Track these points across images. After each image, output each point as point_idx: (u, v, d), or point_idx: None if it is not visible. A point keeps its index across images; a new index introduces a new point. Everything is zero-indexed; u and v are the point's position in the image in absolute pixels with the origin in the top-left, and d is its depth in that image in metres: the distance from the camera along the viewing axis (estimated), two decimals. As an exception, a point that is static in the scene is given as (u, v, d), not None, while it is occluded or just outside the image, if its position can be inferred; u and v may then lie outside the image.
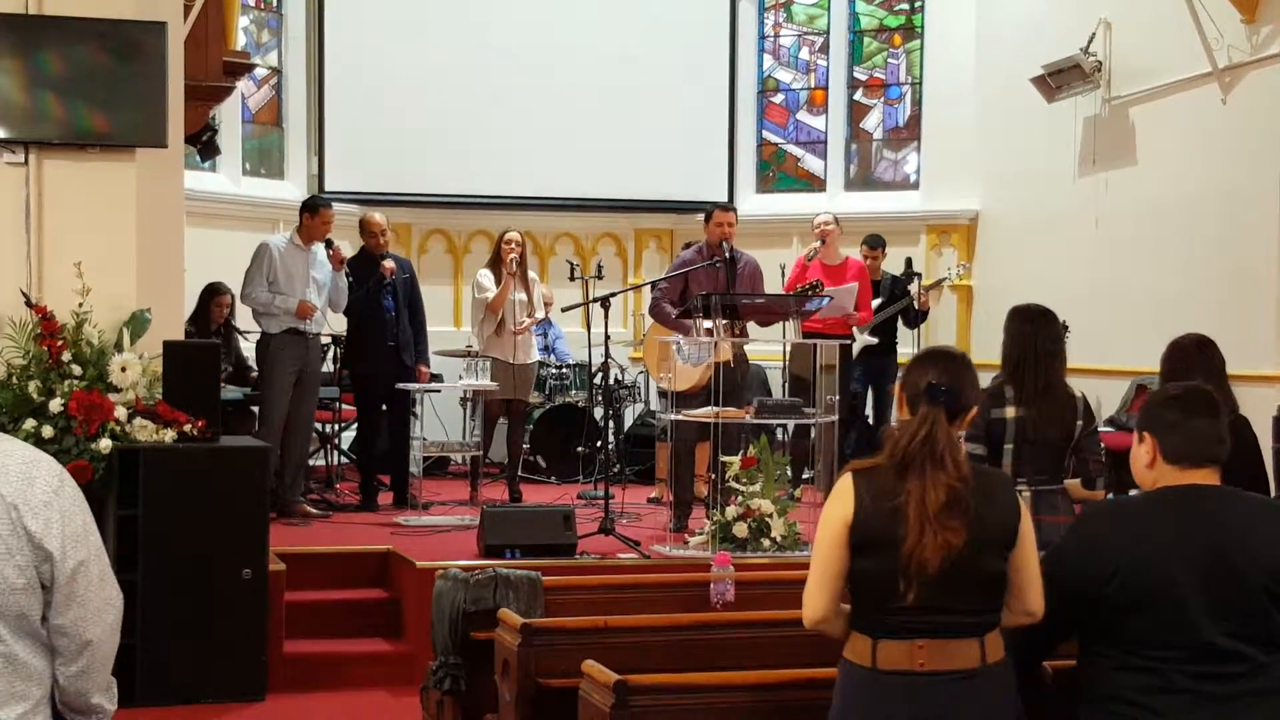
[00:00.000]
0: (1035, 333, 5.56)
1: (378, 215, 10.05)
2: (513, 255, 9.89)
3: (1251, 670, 3.43)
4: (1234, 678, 3.42)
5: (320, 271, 9.32)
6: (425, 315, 10.11)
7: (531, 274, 10.29)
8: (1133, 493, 5.35)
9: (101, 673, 3.01)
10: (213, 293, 10.51)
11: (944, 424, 3.48)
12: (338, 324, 9.71)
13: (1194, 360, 5.30)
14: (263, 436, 8.92)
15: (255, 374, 10.30)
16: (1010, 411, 5.51)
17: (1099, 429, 5.75)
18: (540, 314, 10.37)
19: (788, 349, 9.98)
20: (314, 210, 9.35)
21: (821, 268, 10.06)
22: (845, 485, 3.50)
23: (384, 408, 9.87)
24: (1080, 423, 5.57)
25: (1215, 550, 3.44)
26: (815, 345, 8.57)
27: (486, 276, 10.06)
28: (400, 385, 9.43)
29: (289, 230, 9.57)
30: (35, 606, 2.86)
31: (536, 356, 10.46)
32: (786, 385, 10.25)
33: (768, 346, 9.90)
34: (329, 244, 9.35)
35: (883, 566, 3.40)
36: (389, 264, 9.69)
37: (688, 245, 10.30)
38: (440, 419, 10.83)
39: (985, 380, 10.89)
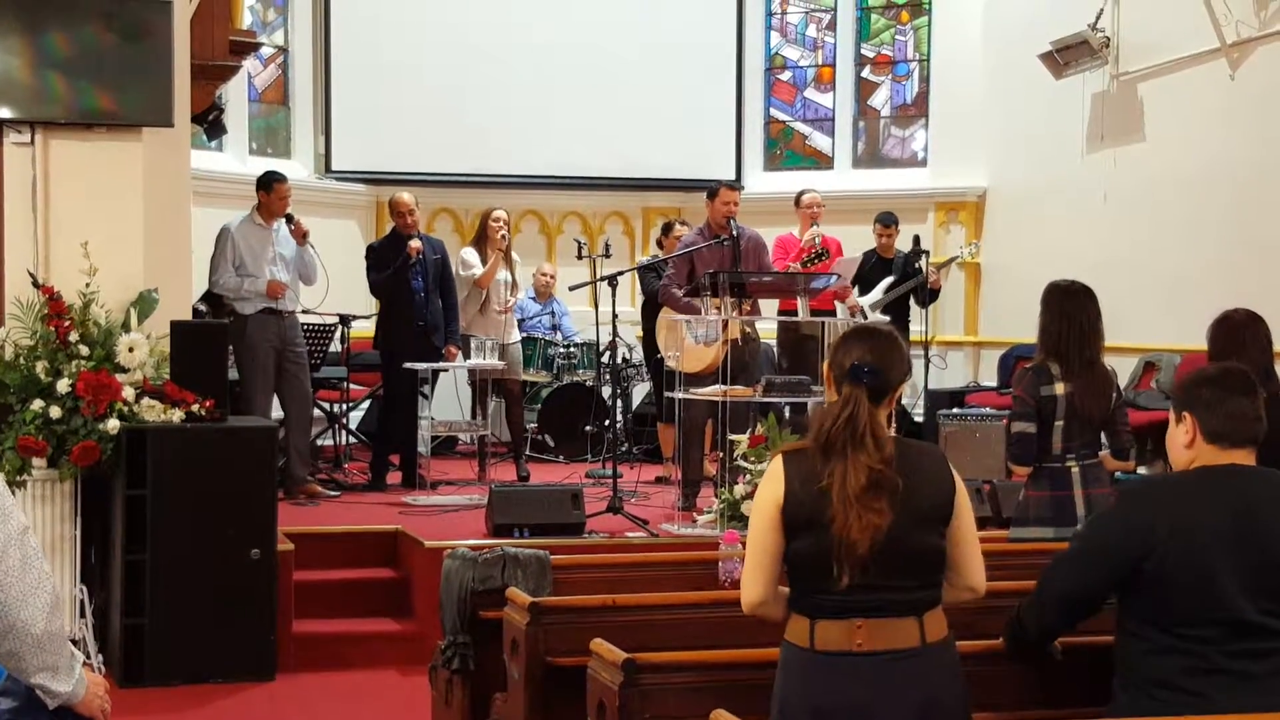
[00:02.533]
0: (1077, 308, 5.68)
1: (405, 195, 9.91)
2: (502, 233, 9.87)
3: None
4: (1268, 654, 3.44)
5: (285, 248, 9.13)
6: (457, 297, 9.95)
7: (515, 255, 10.27)
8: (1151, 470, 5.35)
9: (37, 655, 3.00)
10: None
11: (865, 405, 3.42)
12: (308, 299, 9.50)
13: (1245, 336, 5.27)
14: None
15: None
16: (1060, 388, 5.64)
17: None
18: (523, 293, 10.38)
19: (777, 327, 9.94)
20: (269, 186, 9.13)
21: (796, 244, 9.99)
22: (776, 468, 3.47)
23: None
24: (1115, 396, 5.72)
25: (1249, 529, 3.47)
26: (823, 322, 8.55)
27: (472, 254, 10.06)
28: (407, 364, 9.30)
29: (248, 210, 9.24)
30: None
31: (517, 336, 10.43)
32: (779, 363, 10.14)
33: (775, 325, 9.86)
34: (289, 218, 9.17)
35: (816, 548, 3.38)
36: (415, 244, 9.58)
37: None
38: (427, 400, 10.72)
39: (991, 358, 10.96)
